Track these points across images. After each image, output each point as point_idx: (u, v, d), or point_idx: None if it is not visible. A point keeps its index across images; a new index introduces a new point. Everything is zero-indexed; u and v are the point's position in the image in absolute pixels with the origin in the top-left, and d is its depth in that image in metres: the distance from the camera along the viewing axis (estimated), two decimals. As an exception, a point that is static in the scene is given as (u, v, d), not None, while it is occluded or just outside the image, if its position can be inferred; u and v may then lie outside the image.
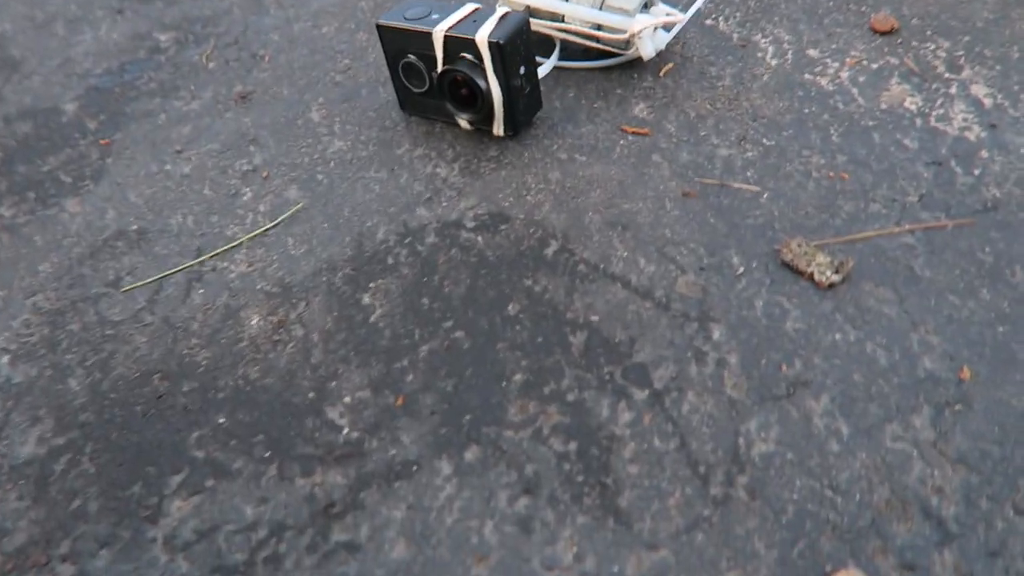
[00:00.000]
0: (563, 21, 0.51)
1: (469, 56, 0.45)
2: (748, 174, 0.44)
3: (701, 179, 0.44)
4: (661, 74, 0.51)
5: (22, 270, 0.48)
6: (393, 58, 0.49)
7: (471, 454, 0.36)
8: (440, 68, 0.47)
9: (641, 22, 0.48)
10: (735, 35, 0.53)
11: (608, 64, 0.52)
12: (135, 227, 0.49)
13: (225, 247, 0.47)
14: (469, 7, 0.46)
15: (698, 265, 0.41)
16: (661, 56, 0.52)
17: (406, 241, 0.45)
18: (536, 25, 0.52)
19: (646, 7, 0.50)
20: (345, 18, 0.64)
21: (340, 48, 0.61)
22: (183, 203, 0.50)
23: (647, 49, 0.49)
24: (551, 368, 0.38)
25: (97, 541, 0.35)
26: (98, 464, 0.38)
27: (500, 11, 0.45)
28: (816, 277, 0.38)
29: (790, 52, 0.51)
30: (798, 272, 0.39)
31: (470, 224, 0.45)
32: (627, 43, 0.50)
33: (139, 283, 0.46)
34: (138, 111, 0.58)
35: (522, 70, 0.46)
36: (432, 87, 0.48)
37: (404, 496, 0.34)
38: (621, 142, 0.48)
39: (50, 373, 0.42)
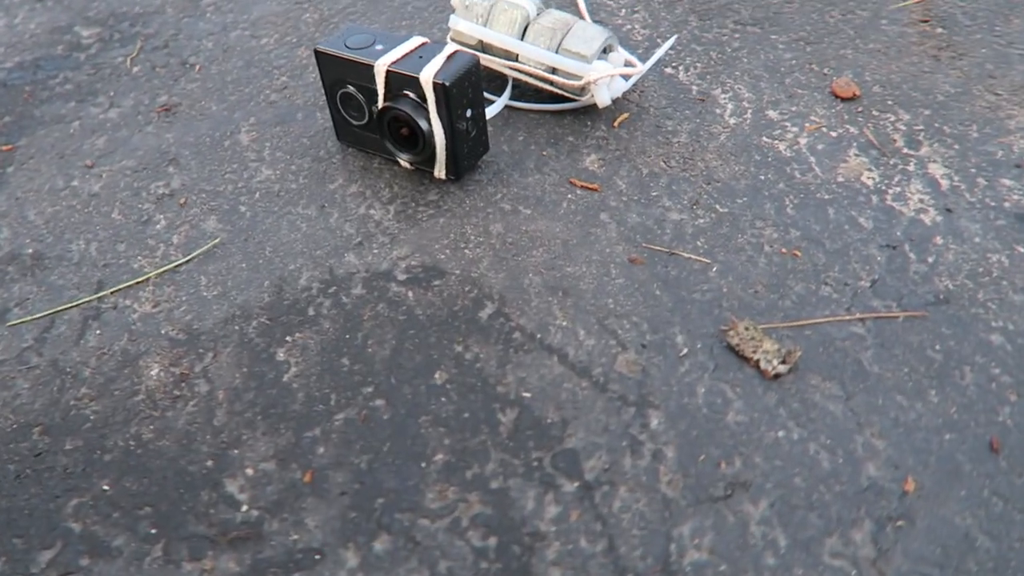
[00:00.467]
0: (517, 60, 0.48)
1: (412, 95, 0.42)
2: (699, 243, 0.42)
3: (649, 245, 0.42)
4: (615, 124, 0.49)
5: None
6: (331, 86, 0.45)
7: (381, 544, 0.32)
8: (381, 104, 0.43)
9: (598, 70, 0.45)
10: (695, 87, 0.51)
11: (561, 108, 0.49)
12: (31, 250, 0.45)
13: (130, 282, 0.42)
14: (416, 41, 0.43)
15: (640, 342, 0.38)
16: (616, 104, 0.50)
17: (330, 290, 0.41)
18: (488, 61, 0.49)
19: (605, 52, 0.47)
20: (287, 30, 0.60)
21: (278, 63, 0.57)
22: (88, 227, 0.46)
23: (603, 97, 0.47)
24: (476, 449, 0.35)
25: (-57, 632, 0.31)
26: (-43, 533, 0.33)
27: (449, 48, 0.42)
28: (762, 366, 0.36)
29: (749, 111, 0.49)
30: (743, 358, 0.37)
31: (401, 276, 0.42)
32: (582, 89, 0.47)
33: (28, 317, 0.41)
34: (48, 115, 0.53)
35: (468, 113, 0.43)
36: (371, 121, 0.45)
37: (302, 594, 0.31)
38: (569, 196, 0.45)
39: (-87, 419, 0.38)
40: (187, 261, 0.43)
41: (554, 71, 0.47)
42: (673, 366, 0.37)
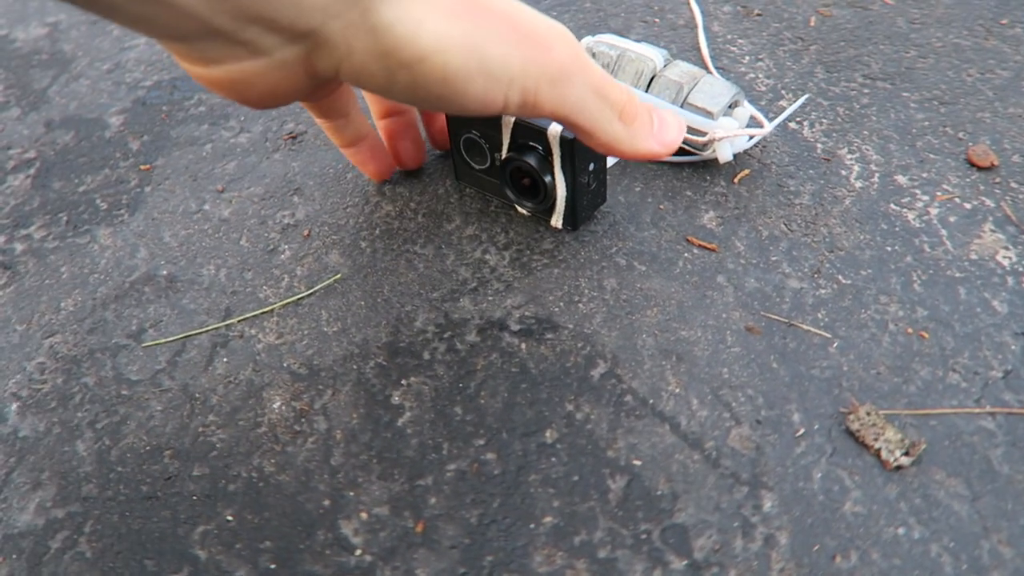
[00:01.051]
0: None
1: (537, 147, 0.42)
2: (819, 315, 0.41)
3: (767, 313, 0.41)
4: (735, 180, 0.48)
5: (44, 304, 0.46)
6: (455, 131, 0.46)
7: (488, 603, 0.33)
8: (504, 154, 0.44)
9: (723, 127, 0.45)
10: (819, 145, 0.50)
11: (681, 161, 0.49)
12: (165, 272, 0.47)
13: (256, 312, 0.44)
14: None
15: (755, 417, 0.38)
16: (737, 158, 0.49)
17: (445, 335, 0.42)
18: None
19: (730, 108, 0.47)
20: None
21: (399, 95, 0.58)
22: (218, 252, 0.48)
23: (725, 154, 0.46)
24: (585, 515, 0.35)
25: (83, 647, 0.33)
26: (95, 548, 0.36)
27: None
28: (883, 456, 0.35)
29: (877, 175, 0.48)
30: (864, 445, 0.36)
31: (515, 327, 0.42)
32: (705, 145, 0.46)
33: (162, 340, 0.44)
34: (184, 137, 0.56)
35: (591, 167, 0.43)
36: (492, 166, 0.46)
37: (412, 647, 0.32)
38: (685, 254, 0.45)
39: (58, 431, 0.40)
40: (310, 294, 0.45)
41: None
42: (789, 446, 0.37)
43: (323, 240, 0.48)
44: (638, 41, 0.49)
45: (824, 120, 0.52)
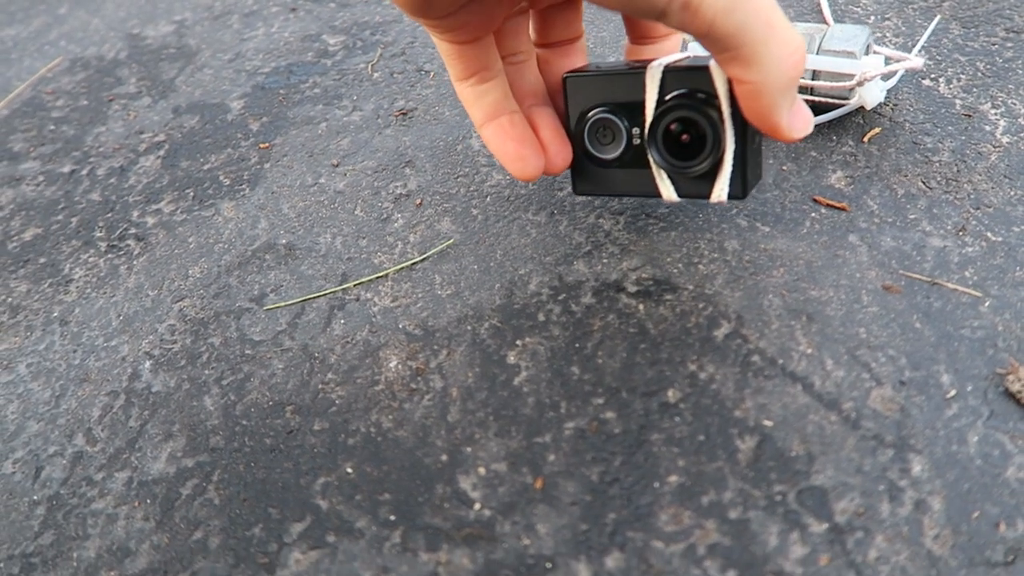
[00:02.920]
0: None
1: (696, 92, 0.35)
2: (966, 274, 0.38)
3: (907, 272, 0.39)
4: (865, 139, 0.45)
5: (173, 272, 0.48)
6: (579, 117, 0.39)
7: (613, 561, 0.32)
8: (652, 113, 0.37)
9: (872, 66, 0.42)
10: (958, 102, 0.46)
11: (824, 120, 0.46)
12: (284, 241, 0.48)
13: (371, 276, 0.45)
14: (678, 54, 0.39)
15: (898, 378, 0.35)
16: (865, 118, 0.46)
17: (560, 297, 0.41)
18: None
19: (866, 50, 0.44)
20: (515, 38, 0.62)
21: (507, 71, 0.58)
22: (334, 222, 0.49)
23: (874, 97, 0.43)
24: (712, 475, 0.33)
25: (213, 587, 0.34)
26: (223, 496, 0.37)
27: None
28: (1050, 418, 0.32)
29: (1026, 129, 0.44)
30: (1026, 407, 0.33)
31: (632, 288, 0.41)
32: (850, 92, 0.44)
33: (283, 303, 0.45)
34: (300, 117, 0.58)
35: None
36: (629, 148, 0.39)
37: (535, 601, 0.31)
38: (812, 215, 0.42)
39: (187, 387, 0.42)
40: (423, 259, 0.45)
41: (814, 77, 0.44)
42: (938, 408, 0.34)
43: (435, 208, 0.48)
44: None
45: (962, 76, 0.48)
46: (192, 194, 0.54)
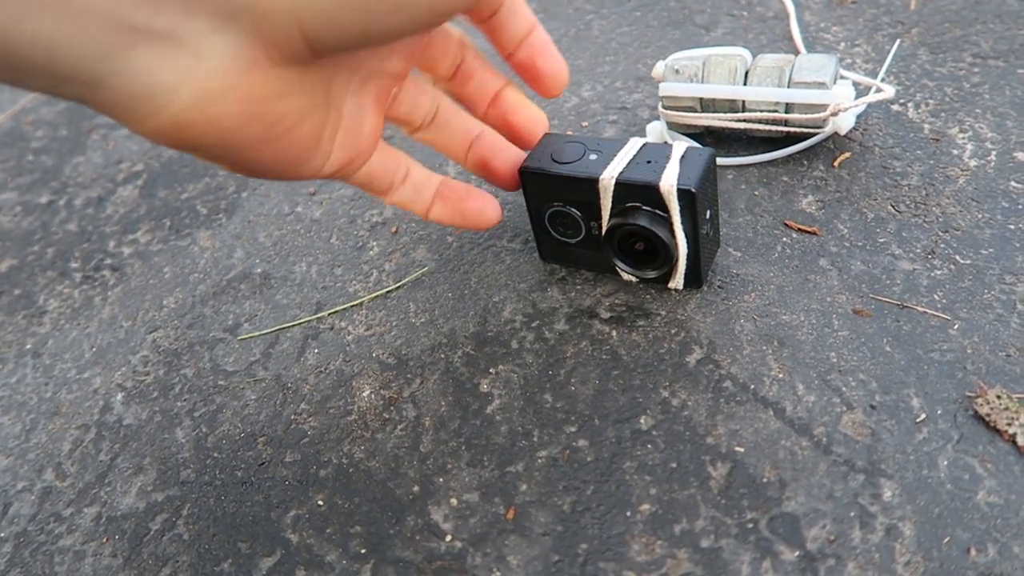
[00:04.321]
0: (743, 110, 0.45)
1: (645, 206, 0.37)
2: (935, 297, 0.38)
3: (877, 296, 0.39)
4: (835, 164, 0.46)
5: (148, 302, 0.48)
6: (538, 206, 0.41)
7: (584, 593, 0.31)
8: (606, 220, 0.39)
9: (844, 96, 0.43)
10: (926, 126, 0.47)
11: (796, 151, 0.46)
12: (260, 270, 0.48)
13: (346, 305, 0.45)
14: (635, 143, 0.39)
15: (868, 402, 0.35)
16: (836, 143, 0.47)
17: (533, 324, 0.41)
18: (706, 120, 0.47)
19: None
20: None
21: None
22: (310, 250, 0.49)
23: (848, 123, 0.44)
24: (684, 503, 0.33)
25: (179, 623, 0.33)
26: (192, 531, 0.36)
27: (679, 147, 0.37)
28: (1019, 441, 0.32)
29: (993, 153, 0.44)
30: (996, 431, 0.33)
31: (605, 314, 0.41)
32: (823, 122, 0.44)
33: (256, 332, 0.45)
34: (278, 146, 0.58)
35: (708, 213, 0.38)
36: (588, 237, 0.41)
37: (505, 633, 0.31)
38: (784, 239, 0.42)
39: (159, 419, 0.41)
40: (398, 287, 0.45)
41: (788, 110, 0.44)
42: (909, 432, 0.34)
43: (410, 236, 0.48)
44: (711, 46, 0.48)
45: (931, 100, 0.49)
46: (169, 224, 0.54)
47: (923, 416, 0.34)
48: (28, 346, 0.48)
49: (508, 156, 0.40)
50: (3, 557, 0.37)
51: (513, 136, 0.40)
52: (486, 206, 0.40)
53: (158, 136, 0.26)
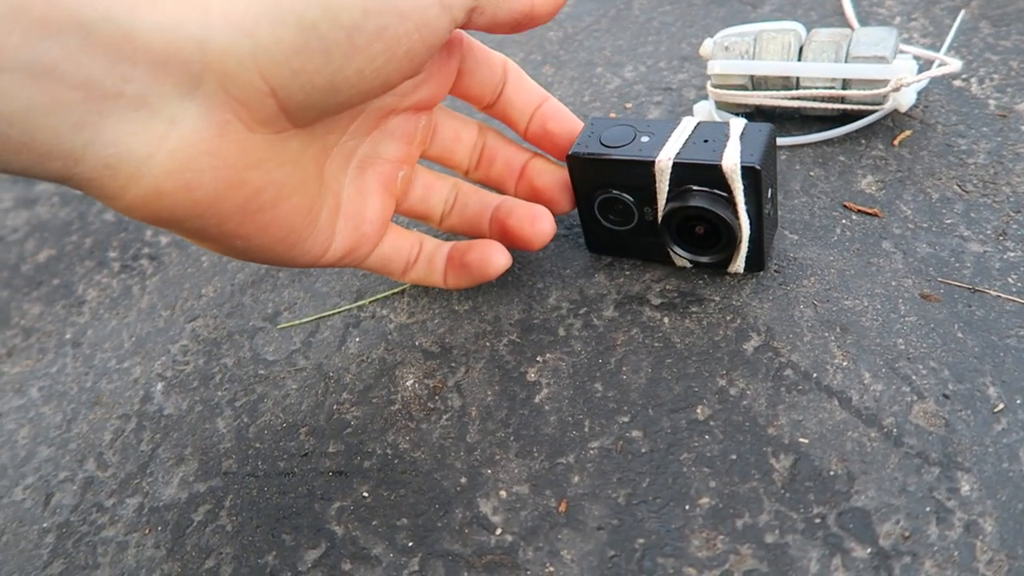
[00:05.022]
0: (798, 87, 0.43)
1: (706, 187, 0.35)
2: (1009, 280, 0.36)
3: (945, 280, 0.37)
4: (895, 142, 0.44)
5: (186, 291, 0.48)
6: (587, 194, 0.39)
7: (642, 589, 0.30)
8: (663, 204, 0.37)
9: (904, 68, 0.41)
10: (992, 102, 0.45)
11: (856, 129, 0.44)
12: (298, 258, 0.47)
13: (387, 292, 0.44)
14: (688, 123, 0.37)
15: (941, 391, 0.33)
16: (895, 120, 0.45)
17: (581, 311, 0.40)
18: (758, 98, 0.45)
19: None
20: (531, 48, 0.61)
21: (523, 82, 0.57)
22: (348, 238, 0.48)
23: (909, 99, 0.42)
24: (746, 496, 0.32)
25: (225, 617, 0.32)
26: (235, 522, 0.35)
27: (736, 125, 0.36)
28: (1109, 432, 0.30)
29: (1066, 128, 0.42)
30: (1081, 421, 0.31)
31: (655, 300, 0.39)
32: (883, 98, 0.42)
33: (296, 321, 0.44)
34: (314, 133, 0.57)
35: (770, 192, 0.36)
36: (641, 224, 0.39)
37: (561, 631, 0.29)
38: (843, 221, 0.41)
39: (200, 409, 0.41)
40: (439, 275, 0.44)
41: (845, 86, 0.42)
42: (986, 423, 0.32)
43: (451, 222, 0.47)
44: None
45: (995, 75, 0.46)
46: (205, 212, 0.53)
47: (1001, 406, 0.32)
48: (68, 336, 0.48)
49: (528, 212, 0.39)
50: (46, 548, 0.37)
51: (544, 201, 0.40)
52: (490, 256, 0.39)
53: (136, 209, 0.26)
